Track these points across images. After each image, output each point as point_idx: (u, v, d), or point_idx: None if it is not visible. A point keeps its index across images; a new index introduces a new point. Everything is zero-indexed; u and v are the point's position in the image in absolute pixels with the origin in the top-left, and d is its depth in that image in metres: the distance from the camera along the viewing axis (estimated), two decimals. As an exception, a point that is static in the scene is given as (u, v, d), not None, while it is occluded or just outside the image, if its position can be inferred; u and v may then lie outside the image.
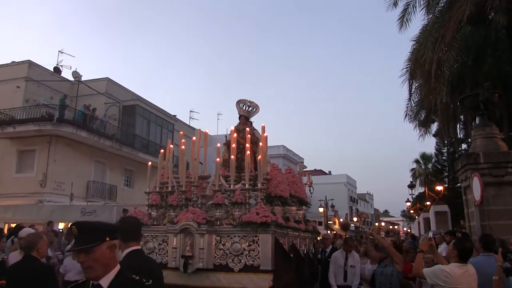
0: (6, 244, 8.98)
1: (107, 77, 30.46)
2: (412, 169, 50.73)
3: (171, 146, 7.88)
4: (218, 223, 6.62)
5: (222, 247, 6.44)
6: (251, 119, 9.06)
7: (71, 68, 30.22)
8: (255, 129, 8.77)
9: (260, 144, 7.42)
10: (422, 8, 17.13)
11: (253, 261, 6.23)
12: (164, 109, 33.87)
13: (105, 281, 2.73)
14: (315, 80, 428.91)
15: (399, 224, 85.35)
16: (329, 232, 35.06)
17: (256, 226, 6.21)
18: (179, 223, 6.57)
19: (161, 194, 7.54)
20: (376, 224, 74.04)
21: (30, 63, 26.93)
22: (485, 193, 10.45)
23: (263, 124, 7.67)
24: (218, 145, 8.00)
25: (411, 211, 47.32)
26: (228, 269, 6.29)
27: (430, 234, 9.29)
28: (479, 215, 10.60)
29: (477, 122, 12.05)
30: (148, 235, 6.91)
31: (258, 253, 6.25)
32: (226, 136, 9.99)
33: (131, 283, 2.84)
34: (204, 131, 8.16)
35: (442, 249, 10.76)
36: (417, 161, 50.33)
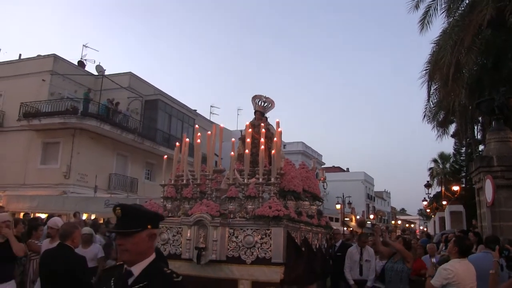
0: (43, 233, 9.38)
1: (130, 72, 30.84)
2: (430, 168, 50.42)
3: (187, 139, 8.02)
4: (232, 216, 6.75)
5: (235, 239, 6.56)
6: (267, 115, 9.13)
7: (94, 62, 30.88)
8: (270, 125, 8.82)
9: (275, 139, 7.56)
10: (443, 12, 17.20)
11: (265, 253, 6.34)
12: (186, 104, 34.21)
13: (137, 268, 2.74)
14: (336, 78, 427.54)
15: (415, 222, 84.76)
16: (345, 228, 35.38)
17: (269, 220, 6.32)
18: (193, 215, 6.69)
19: (176, 187, 7.66)
20: (392, 222, 73.95)
21: (55, 57, 27.37)
22: (497, 195, 10.71)
23: (277, 120, 7.78)
24: (233, 139, 8.24)
25: (428, 210, 47.34)
26: (241, 261, 6.41)
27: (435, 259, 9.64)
28: (490, 216, 10.89)
29: (492, 125, 12.37)
30: (162, 227, 6.99)
31: (270, 246, 6.35)
32: (241, 131, 10.03)
33: (161, 275, 2.80)
34: (220, 125, 8.34)
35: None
36: (435, 161, 49.82)
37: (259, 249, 6.38)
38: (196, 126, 9.31)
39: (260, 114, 8.95)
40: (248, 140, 7.39)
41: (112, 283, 2.82)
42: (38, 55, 28.49)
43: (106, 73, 30.32)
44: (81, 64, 30.08)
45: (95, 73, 30.35)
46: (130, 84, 30.07)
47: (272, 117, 7.93)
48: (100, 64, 30.65)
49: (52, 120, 24.64)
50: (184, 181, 7.64)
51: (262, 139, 7.34)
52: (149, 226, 2.79)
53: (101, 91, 27.86)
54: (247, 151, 7.17)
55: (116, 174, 27.52)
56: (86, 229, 8.93)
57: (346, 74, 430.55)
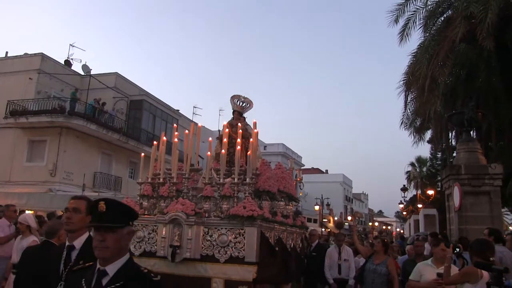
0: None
1: (116, 72, 31.09)
2: (407, 172, 51.19)
3: (165, 138, 7.91)
4: (207, 215, 6.73)
5: (209, 238, 6.56)
6: (245, 115, 9.10)
7: (81, 61, 30.83)
8: (248, 125, 8.80)
9: (251, 140, 7.58)
10: (420, 27, 18.01)
11: (239, 253, 6.37)
12: (169, 104, 34.58)
13: (111, 268, 2.65)
14: (318, 82, 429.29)
15: (392, 224, 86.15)
16: (323, 229, 36.20)
17: (243, 219, 6.35)
18: (168, 214, 6.68)
19: (153, 185, 7.59)
20: (370, 224, 74.97)
21: (43, 56, 27.46)
22: (464, 201, 11.51)
23: (254, 120, 7.79)
24: (210, 139, 8.36)
25: (404, 213, 48.35)
26: (215, 260, 6.42)
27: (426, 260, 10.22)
28: (457, 220, 11.71)
29: (462, 137, 13.35)
30: (138, 224, 6.95)
31: (244, 245, 6.38)
32: (219, 131, 10.08)
33: (138, 275, 2.73)
34: (198, 124, 8.45)
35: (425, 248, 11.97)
36: (412, 164, 50.49)
37: (233, 248, 6.42)
38: (174, 125, 9.06)
39: (238, 114, 8.97)
40: (225, 140, 7.43)
41: (83, 284, 2.72)
42: (25, 53, 28.47)
43: (92, 72, 30.26)
44: (67, 63, 30.11)
45: (82, 72, 30.39)
46: (116, 84, 30.31)
47: (252, 118, 8.04)
48: (86, 64, 30.70)
49: (40, 119, 24.83)
50: (161, 180, 7.63)
51: (239, 139, 7.39)
52: (130, 223, 2.78)
53: (88, 90, 27.94)
54: (223, 151, 7.21)
55: (101, 172, 27.81)
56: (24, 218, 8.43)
57: (328, 78, 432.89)
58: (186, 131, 8.14)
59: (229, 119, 9.02)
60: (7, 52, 29.98)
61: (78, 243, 3.83)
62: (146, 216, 7.13)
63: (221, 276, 6.25)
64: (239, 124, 8.18)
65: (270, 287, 6.96)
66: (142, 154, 8.25)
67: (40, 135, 25.93)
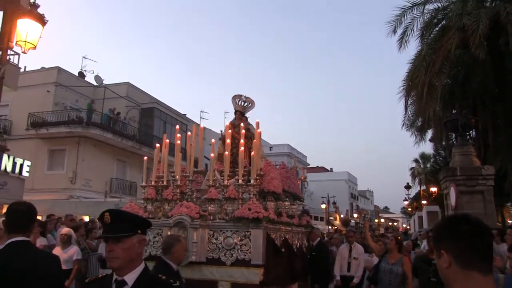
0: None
1: (127, 82, 32.36)
2: (412, 168, 51.69)
3: (167, 140, 7.90)
4: (211, 218, 6.64)
5: (214, 241, 6.46)
6: (247, 115, 8.95)
7: (93, 72, 32.38)
8: (250, 124, 8.61)
9: (254, 140, 7.44)
10: (417, 38, 19.21)
11: (245, 255, 6.28)
12: (178, 110, 35.59)
13: (130, 277, 2.61)
14: (320, 79, 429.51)
15: (398, 220, 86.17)
16: (329, 227, 37.32)
17: (248, 222, 6.23)
18: (173, 217, 6.59)
19: (157, 188, 7.49)
20: (376, 220, 75.57)
21: (59, 69, 28.66)
22: (460, 200, 12.45)
23: (257, 120, 7.65)
24: (213, 140, 8.00)
25: (409, 209, 49.06)
26: (220, 263, 6.34)
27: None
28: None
29: (458, 141, 14.64)
30: None
31: (250, 247, 6.28)
32: (221, 131, 9.91)
33: (158, 283, 2.75)
34: (200, 126, 8.47)
35: (425, 244, 12.84)
36: (416, 161, 50.82)
37: (239, 250, 6.32)
38: (177, 127, 9.00)
39: (240, 114, 8.81)
40: (228, 141, 7.29)
41: None
42: (42, 67, 29.57)
43: (104, 82, 31.78)
44: (81, 75, 31.44)
45: (94, 82, 31.68)
46: (128, 93, 31.40)
47: (258, 118, 7.71)
48: (99, 74, 32.17)
49: (59, 129, 25.92)
50: (165, 182, 7.51)
51: (242, 140, 7.23)
52: (139, 231, 2.72)
53: (104, 100, 29.04)
54: (226, 152, 7.07)
55: (116, 178, 28.88)
56: (65, 230, 9.14)
57: (332, 77, 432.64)
58: (189, 133, 8.12)
59: (232, 119, 8.97)
60: (25, 67, 31.23)
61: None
62: (150, 219, 6.68)
63: (228, 279, 6.19)
64: (241, 124, 8.17)
65: (277, 289, 6.79)
66: (145, 157, 8.24)
67: (59, 145, 26.98)
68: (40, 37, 8.78)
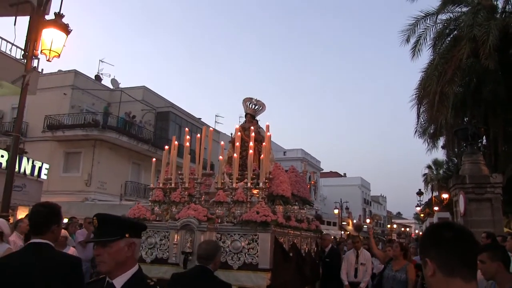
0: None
1: (143, 86, 32.62)
2: (424, 174, 51.39)
3: (176, 142, 7.83)
4: (219, 221, 6.52)
5: (222, 244, 6.27)
6: (257, 118, 8.91)
7: (109, 75, 32.83)
8: (261, 127, 8.56)
9: (264, 143, 7.35)
10: (429, 48, 19.56)
11: (252, 259, 6.18)
12: (193, 114, 35.83)
13: (119, 281, 2.60)
14: (337, 87, 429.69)
15: (411, 226, 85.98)
16: (342, 232, 37.45)
17: (256, 225, 6.14)
18: (180, 220, 6.47)
19: (165, 190, 7.40)
20: (388, 226, 75.39)
21: (76, 72, 28.98)
22: (468, 207, 12.68)
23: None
24: (222, 143, 7.81)
25: (421, 215, 49.13)
26: (227, 267, 6.17)
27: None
28: (463, 224, 12.97)
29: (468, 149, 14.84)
30: (150, 231, 6.75)
31: (257, 251, 6.18)
32: (231, 134, 9.75)
33: None
34: (210, 128, 8.40)
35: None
36: (429, 167, 50.42)
37: (246, 254, 6.22)
38: (187, 129, 8.75)
39: (251, 117, 8.76)
40: (238, 143, 7.19)
41: None
42: (59, 70, 29.90)
43: (120, 85, 32.26)
44: (98, 78, 31.83)
45: (111, 86, 32.14)
46: (143, 97, 31.73)
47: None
48: (115, 78, 32.65)
49: (75, 132, 26.31)
50: (173, 185, 7.43)
51: (251, 143, 7.14)
52: (127, 235, 2.67)
53: (120, 103, 29.44)
54: (235, 155, 6.94)
55: (131, 181, 29.17)
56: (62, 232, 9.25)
57: (349, 85, 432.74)
58: (198, 135, 7.93)
59: (242, 122, 8.99)
60: (42, 70, 31.55)
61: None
62: (157, 222, 7.01)
63: (234, 283, 5.90)
64: (252, 127, 8.07)
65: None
66: (154, 159, 8.18)
67: (75, 147, 27.36)
68: (64, 45, 9.05)
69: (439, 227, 1.99)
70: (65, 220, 12.92)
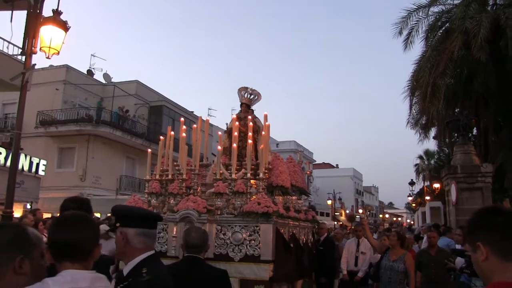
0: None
1: (136, 80, 32.43)
2: (416, 165, 51.74)
3: (172, 133, 7.70)
4: (219, 212, 6.39)
5: (222, 236, 6.23)
6: (253, 107, 8.72)
7: (102, 70, 32.64)
8: (257, 117, 8.43)
9: (263, 133, 7.28)
10: (421, 40, 19.85)
11: (254, 251, 6.07)
12: (186, 108, 35.79)
13: (126, 270, 2.67)
14: (328, 78, 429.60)
15: (403, 216, 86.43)
16: (335, 223, 37.71)
17: (258, 216, 6.03)
18: (179, 212, 6.32)
19: (161, 182, 7.28)
20: (380, 216, 75.74)
21: (67, 67, 28.77)
22: (460, 196, 13.10)
23: (265, 113, 7.44)
24: (219, 133, 7.85)
25: (414, 205, 49.38)
26: (229, 259, 6.09)
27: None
28: (455, 213, 13.35)
29: (459, 140, 15.19)
30: None
31: (259, 243, 6.08)
32: (227, 124, 9.65)
33: (135, 277, 2.65)
34: (206, 119, 8.14)
35: (426, 239, 13.26)
36: (420, 157, 50.82)
37: (248, 246, 6.12)
38: (182, 119, 8.63)
39: (246, 107, 8.60)
40: (236, 133, 7.13)
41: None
42: (51, 65, 29.73)
43: (112, 80, 32.13)
44: (90, 73, 31.64)
45: (103, 80, 31.99)
46: (136, 91, 31.65)
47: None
48: (107, 72, 32.48)
49: (69, 128, 26.28)
50: (170, 176, 7.32)
51: (250, 133, 7.02)
52: (117, 224, 2.67)
53: (113, 98, 29.41)
54: (234, 145, 6.84)
55: (126, 176, 29.25)
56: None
57: (339, 75, 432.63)
58: (194, 125, 7.92)
59: (237, 112, 8.78)
60: (34, 64, 31.41)
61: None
62: None
63: (236, 276, 5.86)
64: (249, 117, 7.97)
65: (287, 286, 6.71)
66: (149, 150, 8.06)
67: (69, 143, 27.34)
68: (63, 42, 9.07)
69: (488, 211, 1.93)
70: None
